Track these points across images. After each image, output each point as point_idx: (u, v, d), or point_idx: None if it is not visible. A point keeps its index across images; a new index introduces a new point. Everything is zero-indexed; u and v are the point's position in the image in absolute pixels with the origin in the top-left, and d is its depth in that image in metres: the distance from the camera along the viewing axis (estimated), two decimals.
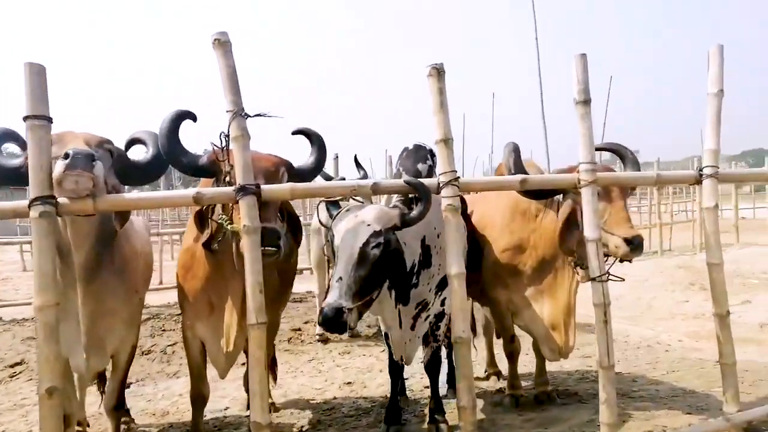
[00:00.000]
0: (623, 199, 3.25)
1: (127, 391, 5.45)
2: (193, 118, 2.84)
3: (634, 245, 3.10)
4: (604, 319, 2.95)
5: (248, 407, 4.71)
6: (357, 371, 5.71)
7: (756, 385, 4.28)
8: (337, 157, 8.50)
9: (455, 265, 2.76)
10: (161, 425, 4.49)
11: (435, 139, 2.81)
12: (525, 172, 3.38)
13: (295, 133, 3.11)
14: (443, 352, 4.81)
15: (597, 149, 3.86)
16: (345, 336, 6.94)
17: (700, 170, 3.21)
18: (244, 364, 4.37)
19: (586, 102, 2.97)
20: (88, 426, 4.33)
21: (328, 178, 5.09)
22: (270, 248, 2.58)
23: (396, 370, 3.73)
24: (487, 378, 5.23)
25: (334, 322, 2.58)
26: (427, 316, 3.45)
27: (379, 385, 5.19)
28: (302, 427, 4.20)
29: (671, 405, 3.87)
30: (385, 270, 2.85)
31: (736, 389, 3.20)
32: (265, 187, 2.59)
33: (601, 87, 14.10)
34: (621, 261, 3.46)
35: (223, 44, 2.52)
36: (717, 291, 3.21)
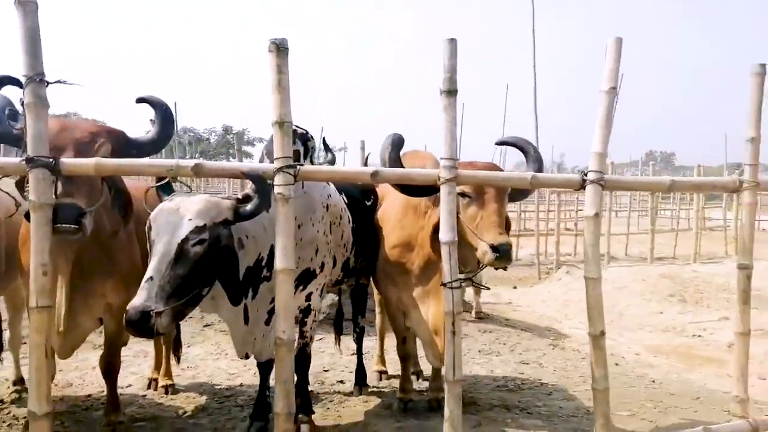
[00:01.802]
0: (498, 202, 2.96)
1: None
2: (18, 83, 2.64)
3: (500, 253, 2.81)
4: (453, 329, 2.69)
5: (149, 386, 4.64)
6: None
7: (666, 413, 3.96)
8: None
9: (281, 260, 2.52)
10: (55, 397, 4.39)
11: (271, 120, 2.56)
12: (401, 166, 3.12)
13: (138, 101, 2.90)
14: (353, 346, 4.61)
15: (499, 143, 3.59)
16: None
17: (584, 174, 2.88)
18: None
19: (451, 92, 2.67)
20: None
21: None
22: (66, 225, 2.39)
23: (265, 365, 3.53)
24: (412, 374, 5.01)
25: (138, 327, 2.36)
26: None
27: None
28: (184, 413, 4.06)
29: (559, 426, 3.59)
30: (210, 269, 2.61)
31: (606, 418, 2.91)
32: (65, 161, 2.40)
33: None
34: (496, 269, 3.18)
35: (24, 4, 2.32)
36: (592, 309, 2.91)
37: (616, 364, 5.92)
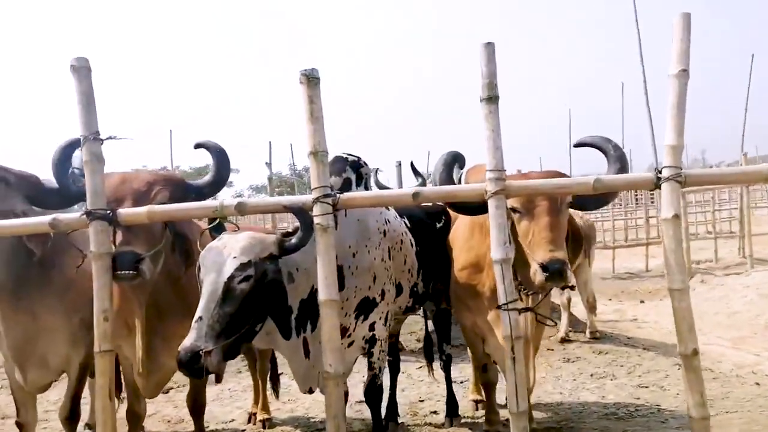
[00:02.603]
0: (550, 215, 2.68)
1: (163, 396, 5.82)
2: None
3: (549, 272, 2.54)
4: (513, 355, 2.48)
5: (249, 420, 4.79)
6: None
7: None
8: (399, 164, 8.31)
9: (324, 291, 2.49)
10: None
11: (306, 151, 2.57)
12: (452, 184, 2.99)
13: (196, 146, 3.05)
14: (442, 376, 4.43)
15: (577, 145, 3.29)
16: None
17: (659, 172, 2.55)
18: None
19: (492, 99, 2.52)
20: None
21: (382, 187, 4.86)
22: (124, 272, 2.54)
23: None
24: (504, 406, 4.72)
25: (189, 367, 2.40)
26: (351, 342, 3.18)
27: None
28: None
29: None
30: (259, 305, 2.61)
31: None
32: (121, 211, 2.57)
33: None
34: (563, 288, 2.90)
35: (78, 70, 2.55)
36: (681, 324, 2.53)
37: (757, 384, 5.17)
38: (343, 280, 3.03)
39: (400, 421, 4.41)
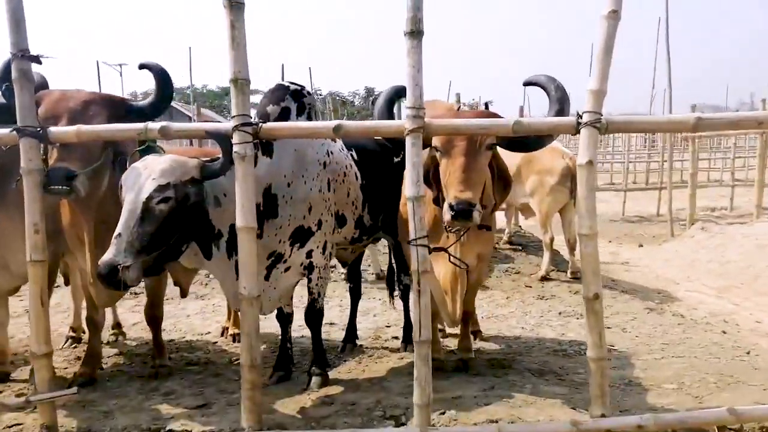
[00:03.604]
0: (466, 155, 2.69)
1: None
2: (36, 60, 2.94)
3: (455, 212, 2.59)
4: (418, 288, 2.57)
5: (222, 334, 5.07)
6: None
7: (724, 389, 3.39)
8: None
9: (240, 218, 2.59)
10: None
11: (228, 78, 2.60)
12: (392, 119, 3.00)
13: (140, 67, 3.09)
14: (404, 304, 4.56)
15: (526, 84, 3.23)
16: (371, 278, 6.95)
17: (579, 116, 2.52)
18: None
19: (415, 33, 2.48)
20: (84, 333, 5.00)
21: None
22: (57, 187, 2.67)
23: (283, 317, 3.68)
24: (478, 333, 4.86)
25: (107, 280, 2.59)
26: (287, 268, 3.31)
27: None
28: (236, 359, 4.36)
29: (582, 396, 3.27)
30: (179, 225, 2.74)
31: (602, 390, 2.58)
32: (52, 129, 2.66)
33: None
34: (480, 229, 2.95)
35: None
36: (586, 268, 2.57)
37: (723, 332, 5.20)
38: (277, 209, 3.13)
39: (359, 343, 4.61)
